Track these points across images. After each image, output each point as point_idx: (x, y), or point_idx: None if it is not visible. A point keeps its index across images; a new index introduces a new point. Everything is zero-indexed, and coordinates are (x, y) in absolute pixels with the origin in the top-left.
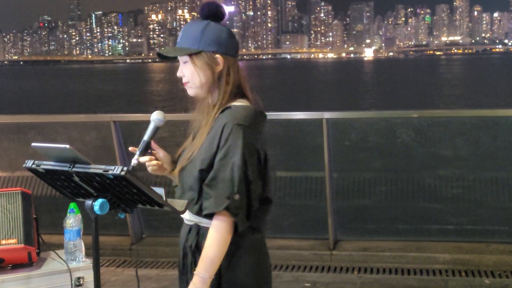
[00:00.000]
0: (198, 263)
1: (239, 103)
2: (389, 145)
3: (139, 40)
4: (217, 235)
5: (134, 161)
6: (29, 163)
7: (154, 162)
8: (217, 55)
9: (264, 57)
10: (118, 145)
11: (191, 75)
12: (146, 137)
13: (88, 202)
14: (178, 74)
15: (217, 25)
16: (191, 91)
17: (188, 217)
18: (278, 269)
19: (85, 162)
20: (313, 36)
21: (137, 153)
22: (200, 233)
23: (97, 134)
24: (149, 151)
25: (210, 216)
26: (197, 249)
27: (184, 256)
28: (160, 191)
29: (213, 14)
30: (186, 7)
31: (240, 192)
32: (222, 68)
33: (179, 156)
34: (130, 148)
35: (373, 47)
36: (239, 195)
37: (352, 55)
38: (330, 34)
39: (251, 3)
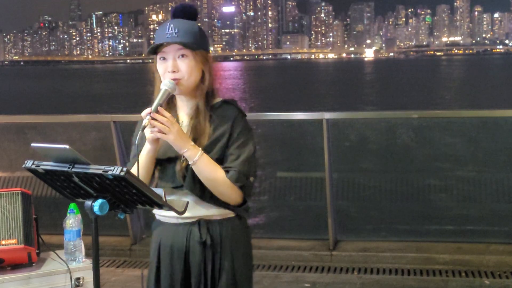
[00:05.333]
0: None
1: (219, 98)
2: (389, 146)
3: (139, 40)
4: (228, 181)
5: (146, 121)
6: (29, 164)
7: (161, 125)
8: (209, 54)
9: (264, 57)
10: (118, 145)
11: (189, 70)
12: (159, 99)
13: (88, 202)
14: (171, 68)
15: (201, 27)
16: (183, 87)
17: (192, 213)
18: (278, 269)
19: (84, 162)
20: (313, 36)
21: (152, 109)
22: (210, 228)
23: (97, 134)
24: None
25: (225, 206)
26: (212, 244)
27: (187, 250)
28: (159, 191)
29: (194, 15)
30: None
31: (254, 176)
32: (210, 66)
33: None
34: (144, 113)
35: (374, 48)
36: (253, 178)
37: (352, 56)
38: (331, 34)
39: (251, 3)
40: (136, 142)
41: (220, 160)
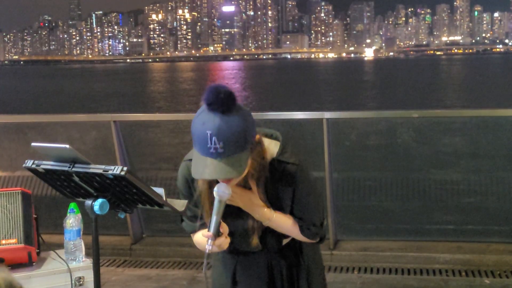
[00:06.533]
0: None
1: (266, 141)
2: (389, 145)
3: (139, 40)
4: (305, 238)
5: (208, 247)
6: (29, 163)
7: (228, 240)
8: (257, 137)
9: (264, 57)
10: (118, 145)
11: (241, 174)
12: (216, 216)
13: (88, 202)
14: (223, 182)
15: (244, 111)
16: (234, 183)
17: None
18: None
19: (85, 162)
20: (313, 36)
21: (212, 238)
22: (292, 246)
23: (97, 134)
24: (220, 232)
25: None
26: (297, 260)
27: (271, 271)
28: (160, 191)
29: (233, 104)
30: (187, 7)
31: (325, 217)
32: (258, 150)
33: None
34: (205, 235)
35: (374, 47)
36: (325, 220)
37: (352, 55)
38: (331, 34)
39: (251, 2)
40: (204, 271)
41: (291, 211)
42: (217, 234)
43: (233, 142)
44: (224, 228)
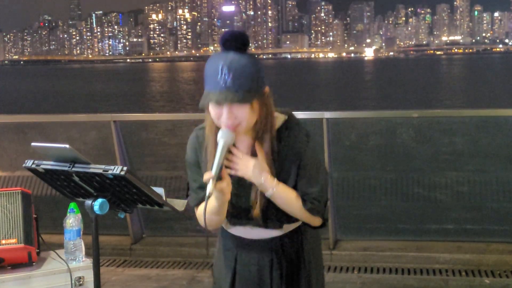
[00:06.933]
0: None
1: (279, 115)
2: (389, 145)
3: (139, 40)
4: (307, 213)
5: (210, 189)
6: (29, 163)
7: (229, 187)
8: (266, 88)
9: (264, 56)
10: (118, 145)
11: (248, 117)
12: (219, 159)
13: (88, 202)
14: (227, 116)
15: (256, 57)
16: (241, 131)
17: (270, 233)
18: None
19: (85, 162)
20: (313, 35)
21: (215, 178)
22: (295, 240)
23: (97, 134)
24: (220, 176)
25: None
26: (298, 255)
27: (271, 264)
28: (160, 191)
29: (247, 45)
30: (187, 7)
31: (329, 198)
32: (267, 103)
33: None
34: (205, 177)
35: (374, 47)
36: (328, 201)
37: (352, 55)
38: (331, 33)
39: (251, 2)
40: (205, 216)
41: (295, 186)
42: (219, 177)
43: (243, 77)
44: (226, 175)
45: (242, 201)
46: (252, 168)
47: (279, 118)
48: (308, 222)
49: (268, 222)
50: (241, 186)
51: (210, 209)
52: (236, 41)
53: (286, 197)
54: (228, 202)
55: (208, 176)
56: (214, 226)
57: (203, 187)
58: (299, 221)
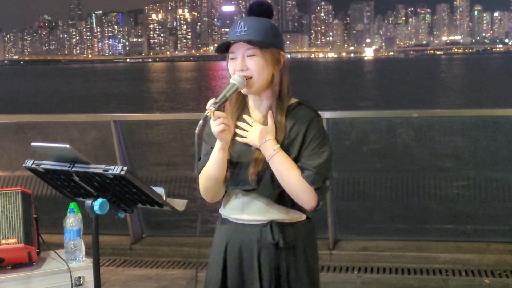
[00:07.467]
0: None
1: (294, 99)
2: (389, 145)
3: (139, 40)
4: (304, 183)
5: (209, 111)
6: (29, 163)
7: (228, 121)
8: (281, 52)
9: None
10: (118, 144)
11: (259, 69)
12: (225, 92)
13: (88, 201)
14: (239, 67)
15: (275, 24)
16: (253, 87)
17: (264, 216)
18: None
19: (85, 161)
20: (313, 35)
21: (214, 105)
22: (284, 229)
23: (97, 133)
24: (222, 109)
25: (293, 208)
26: (287, 245)
27: (259, 252)
28: (160, 190)
29: (269, 13)
30: (187, 7)
31: (330, 179)
32: (284, 66)
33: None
34: (211, 101)
35: (374, 47)
36: (329, 181)
37: (352, 55)
38: (331, 33)
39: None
40: (196, 131)
41: (297, 161)
42: (220, 107)
43: (257, 29)
44: (228, 112)
45: (243, 163)
46: (259, 132)
47: (292, 100)
48: (302, 198)
49: (260, 185)
50: (246, 151)
51: (211, 162)
52: (259, 9)
53: (285, 163)
54: (230, 163)
55: (211, 101)
56: (211, 193)
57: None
58: (289, 208)
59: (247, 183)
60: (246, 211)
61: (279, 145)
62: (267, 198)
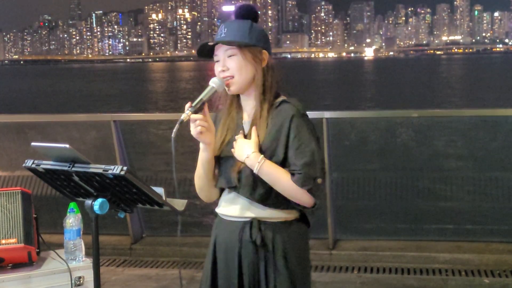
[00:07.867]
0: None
1: (282, 98)
2: (389, 145)
3: (139, 40)
4: (295, 187)
5: (185, 115)
6: (29, 163)
7: (205, 123)
8: (264, 51)
9: None
10: (118, 144)
11: (238, 69)
12: (203, 95)
13: (88, 201)
14: (221, 68)
15: (258, 25)
16: (234, 87)
17: (246, 213)
18: None
19: (84, 161)
20: (313, 35)
21: (191, 108)
22: (262, 229)
23: (97, 133)
24: (201, 112)
25: (278, 208)
26: (264, 244)
27: (240, 249)
28: (159, 190)
29: (253, 15)
30: (187, 7)
31: (322, 177)
32: (267, 64)
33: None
34: (187, 105)
35: (374, 47)
36: (321, 179)
37: (352, 55)
38: (331, 33)
39: (251, 2)
40: (173, 135)
41: (286, 160)
42: (198, 110)
43: (236, 30)
44: (207, 113)
45: (230, 160)
46: (242, 148)
47: (279, 98)
48: (299, 200)
49: (240, 183)
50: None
51: (198, 162)
52: (239, 12)
53: (273, 172)
54: (221, 159)
55: (187, 105)
56: (205, 192)
57: None
58: (276, 210)
59: (231, 179)
60: (232, 207)
61: (262, 155)
62: (245, 197)
